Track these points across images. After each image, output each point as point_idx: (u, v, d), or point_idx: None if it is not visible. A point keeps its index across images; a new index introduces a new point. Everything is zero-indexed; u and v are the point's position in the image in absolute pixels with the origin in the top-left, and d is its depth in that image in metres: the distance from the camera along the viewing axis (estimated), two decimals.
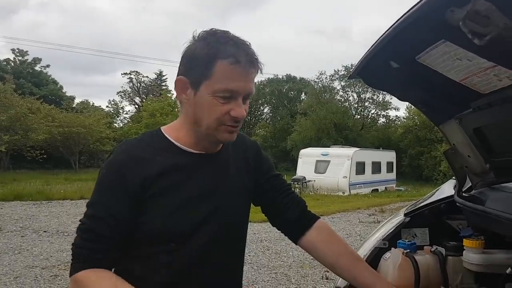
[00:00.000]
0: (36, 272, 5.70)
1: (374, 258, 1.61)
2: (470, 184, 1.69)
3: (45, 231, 8.51)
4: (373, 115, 40.25)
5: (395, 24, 1.11)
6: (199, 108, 1.16)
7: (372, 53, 1.29)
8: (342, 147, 23.54)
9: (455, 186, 1.71)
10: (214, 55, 1.11)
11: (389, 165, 23.68)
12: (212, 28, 1.17)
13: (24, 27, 68.74)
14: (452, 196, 1.67)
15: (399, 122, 39.15)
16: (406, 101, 1.58)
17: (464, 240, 1.47)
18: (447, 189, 1.82)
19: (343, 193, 18.71)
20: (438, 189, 1.97)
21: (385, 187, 22.46)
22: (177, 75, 1.19)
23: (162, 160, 1.18)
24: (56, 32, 75.15)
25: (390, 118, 40.15)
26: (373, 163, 21.83)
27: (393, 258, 1.49)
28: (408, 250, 1.48)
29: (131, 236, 1.15)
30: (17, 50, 39.62)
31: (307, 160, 20.48)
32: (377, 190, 21.46)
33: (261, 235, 8.49)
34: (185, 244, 1.17)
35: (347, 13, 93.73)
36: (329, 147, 23.75)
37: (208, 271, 1.21)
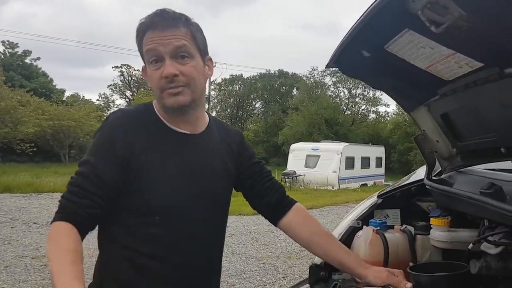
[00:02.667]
0: (26, 262, 5.74)
1: (349, 237, 1.71)
2: (440, 168, 1.79)
3: (35, 223, 8.53)
4: (363, 111, 40.62)
5: (364, 14, 1.19)
6: (150, 84, 1.26)
7: (346, 42, 1.37)
8: (332, 142, 23.71)
9: (425, 171, 1.80)
10: (139, 31, 1.23)
11: (378, 160, 23.91)
12: None
13: (14, 19, 67.83)
14: (422, 179, 1.77)
15: (389, 118, 39.53)
16: (378, 89, 1.67)
17: (431, 219, 1.57)
18: (421, 173, 1.92)
19: (333, 187, 18.87)
20: (413, 173, 2.07)
21: (374, 182, 22.65)
22: None
23: (150, 133, 1.25)
24: (46, 24, 74.34)
25: (380, 114, 40.57)
26: (362, 158, 22.02)
27: (364, 235, 1.59)
28: (379, 228, 1.58)
29: (118, 202, 1.21)
30: (7, 42, 39.16)
31: (298, 155, 20.59)
32: (366, 184, 21.65)
33: (250, 227, 8.60)
34: (170, 218, 1.24)
35: (336, 8, 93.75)
36: (319, 142, 23.91)
37: (192, 246, 1.28)
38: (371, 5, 1.14)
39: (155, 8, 1.24)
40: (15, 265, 5.60)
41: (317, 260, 1.69)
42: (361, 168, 21.73)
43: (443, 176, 1.74)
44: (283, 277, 5.44)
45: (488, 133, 1.36)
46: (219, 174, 1.37)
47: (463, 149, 1.58)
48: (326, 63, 1.60)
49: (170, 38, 1.19)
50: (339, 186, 19.28)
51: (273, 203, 1.48)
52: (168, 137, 1.28)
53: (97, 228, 1.27)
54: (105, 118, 1.33)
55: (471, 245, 1.40)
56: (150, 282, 1.24)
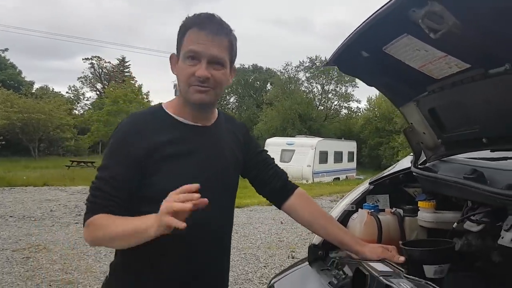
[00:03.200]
0: (7, 254, 5.71)
1: (344, 219, 1.88)
2: (425, 158, 1.99)
3: (11, 216, 8.40)
4: (336, 106, 41.25)
5: (367, 20, 1.36)
6: (178, 76, 1.38)
7: (347, 44, 1.54)
8: (306, 137, 24.05)
9: (411, 160, 2.00)
10: (185, 26, 1.35)
11: (350, 154, 24.46)
12: None
13: None
14: (409, 168, 1.97)
15: (360, 114, 40.33)
16: (372, 85, 1.84)
17: (419, 202, 1.76)
18: (405, 163, 2.12)
19: (307, 181, 19.21)
20: (397, 164, 2.26)
21: (346, 176, 23.21)
22: None
23: (164, 131, 1.37)
24: (13, 15, 71.75)
25: (352, 110, 41.32)
26: (336, 153, 22.49)
27: (360, 217, 1.77)
28: (373, 210, 1.77)
29: (135, 195, 1.33)
30: None
31: (273, 149, 20.71)
32: (338, 178, 22.16)
33: None
34: None
35: (307, 3, 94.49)
36: (294, 137, 24.22)
37: (206, 226, 1.41)
38: (376, 11, 1.31)
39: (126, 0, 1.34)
40: None
41: (315, 240, 1.86)
42: (334, 163, 22.21)
43: (427, 164, 1.94)
44: (264, 266, 5.61)
45: (471, 125, 1.56)
46: (229, 161, 1.50)
47: (448, 140, 1.77)
48: (326, 62, 1.76)
49: (213, 46, 1.32)
50: (313, 180, 19.65)
51: (277, 188, 1.63)
52: (181, 131, 1.40)
53: None
54: (118, 123, 1.45)
55: (455, 224, 1.60)
56: (170, 261, 1.37)
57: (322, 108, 40.23)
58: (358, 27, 1.44)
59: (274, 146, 21.02)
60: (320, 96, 40.20)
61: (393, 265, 1.46)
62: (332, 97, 40.39)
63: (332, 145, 22.88)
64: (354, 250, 1.60)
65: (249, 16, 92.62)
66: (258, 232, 7.78)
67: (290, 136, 25.23)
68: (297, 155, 20.06)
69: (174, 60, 1.41)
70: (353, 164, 24.94)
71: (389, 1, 1.25)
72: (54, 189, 13.24)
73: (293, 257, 5.93)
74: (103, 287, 1.49)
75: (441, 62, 1.40)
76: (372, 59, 1.59)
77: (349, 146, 24.90)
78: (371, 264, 1.46)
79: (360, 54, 1.58)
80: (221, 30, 1.35)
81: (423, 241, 1.64)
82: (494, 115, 1.41)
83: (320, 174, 20.57)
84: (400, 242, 1.67)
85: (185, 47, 1.33)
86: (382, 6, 1.28)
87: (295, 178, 18.90)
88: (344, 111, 41.43)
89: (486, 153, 1.70)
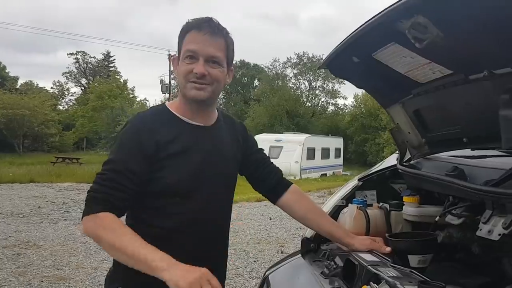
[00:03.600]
0: None
1: (335, 213, 2.00)
2: (410, 156, 2.11)
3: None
4: (323, 103, 41.47)
5: (359, 29, 1.47)
6: (178, 74, 1.47)
7: (339, 50, 1.65)
8: (294, 133, 24.22)
9: (397, 158, 2.12)
10: (184, 29, 1.46)
11: (337, 151, 24.73)
12: None
13: None
14: (395, 165, 2.09)
15: (347, 110, 40.63)
16: (362, 88, 1.96)
17: (404, 197, 1.88)
18: (392, 160, 2.24)
19: (295, 177, 19.35)
20: (384, 161, 2.38)
21: (333, 172, 23.47)
22: None
23: (170, 129, 1.46)
24: None
25: (339, 106, 41.59)
26: (323, 149, 22.72)
27: (349, 211, 1.88)
28: (361, 205, 1.88)
29: (144, 189, 1.41)
30: None
31: (261, 146, 20.28)
32: (325, 174, 22.41)
33: None
34: (189, 198, 1.46)
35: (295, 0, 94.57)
36: (281, 133, 24.35)
37: (208, 218, 1.51)
38: (366, 21, 1.42)
39: None
40: None
41: (308, 234, 1.97)
42: (321, 159, 22.44)
43: (412, 162, 2.06)
44: (254, 261, 5.73)
45: (453, 126, 1.69)
46: (228, 159, 1.61)
47: (431, 139, 1.90)
48: (319, 65, 1.87)
49: (210, 45, 1.42)
50: (300, 176, 19.84)
51: (273, 185, 1.75)
52: (185, 130, 1.49)
53: None
54: (125, 122, 1.53)
55: (438, 217, 1.72)
56: (173, 254, 1.46)
57: (309, 104, 40.41)
58: (350, 35, 1.55)
59: (262, 142, 20.73)
60: (307, 93, 40.38)
61: (380, 256, 1.57)
62: (319, 93, 40.63)
63: (320, 142, 23.10)
64: (344, 242, 1.71)
65: (236, 11, 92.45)
66: (248, 227, 7.90)
67: (278, 133, 25.35)
68: (285, 151, 20.19)
69: (175, 61, 1.51)
70: (340, 160, 25.23)
71: (379, 12, 1.36)
72: (41, 186, 13.18)
73: (282, 252, 6.06)
74: (107, 280, 1.57)
75: (426, 68, 1.51)
76: (362, 64, 1.70)
77: (336, 142, 25.16)
78: (360, 254, 1.57)
79: (351, 59, 1.69)
80: (218, 31, 1.44)
81: (408, 233, 1.76)
82: (474, 116, 1.54)
83: (308, 170, 20.76)
84: (387, 234, 1.79)
85: (184, 47, 1.44)
86: (373, 17, 1.38)
87: (283, 174, 19.00)
88: (331, 107, 41.74)
89: (467, 152, 1.82)
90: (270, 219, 8.79)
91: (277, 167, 1.81)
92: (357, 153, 33.89)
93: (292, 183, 1.80)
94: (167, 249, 1.44)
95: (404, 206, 1.88)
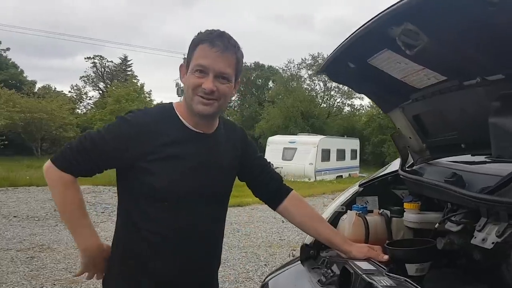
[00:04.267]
0: (12, 254, 5.81)
1: (334, 220, 1.98)
2: (412, 161, 2.08)
3: (15, 216, 8.51)
4: (338, 104, 41.19)
5: (352, 35, 1.46)
6: (186, 84, 1.47)
7: (335, 55, 1.65)
8: (308, 135, 24.10)
9: (399, 163, 2.10)
10: (197, 40, 1.45)
11: (353, 152, 24.53)
12: None
13: None
14: (397, 170, 2.06)
15: (363, 111, 40.26)
16: (361, 93, 1.95)
17: (404, 203, 1.86)
18: (395, 165, 2.21)
19: (309, 179, 19.29)
20: (388, 166, 2.36)
21: (349, 174, 23.27)
22: None
23: (170, 132, 1.46)
24: (15, 14, 71.97)
25: (355, 107, 41.22)
26: (338, 151, 22.56)
27: (348, 218, 1.87)
28: (361, 212, 1.86)
29: (136, 188, 1.45)
30: None
31: (275, 148, 20.88)
32: (341, 176, 22.23)
33: (231, 219, 8.81)
34: (176, 204, 1.46)
35: (309, 0, 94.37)
36: (296, 135, 24.30)
37: (194, 232, 1.51)
38: (358, 28, 1.41)
39: None
40: (1, 258, 5.67)
41: (307, 240, 1.96)
42: (337, 160, 22.28)
43: (414, 167, 2.04)
44: (265, 265, 5.70)
45: (451, 131, 1.66)
46: (224, 170, 1.59)
47: (431, 144, 1.87)
48: (317, 70, 1.87)
49: (220, 61, 1.41)
50: (315, 178, 19.72)
51: (273, 191, 1.74)
52: (184, 135, 1.49)
53: (114, 218, 1.54)
54: (127, 111, 1.54)
55: (437, 224, 1.69)
56: (161, 263, 1.48)
57: (324, 105, 40.22)
58: (344, 41, 1.54)
59: (276, 144, 21.11)
60: (322, 94, 40.19)
61: (377, 264, 1.55)
62: (335, 94, 40.37)
63: (335, 143, 22.94)
64: (342, 250, 1.70)
65: (250, 13, 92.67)
66: (259, 230, 7.88)
67: (292, 134, 25.30)
68: (299, 153, 20.11)
69: (183, 69, 1.51)
70: (356, 162, 25.01)
71: (370, 18, 1.35)
72: None
73: (293, 256, 6.00)
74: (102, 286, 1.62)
75: (420, 74, 1.50)
76: (358, 69, 1.69)
77: (352, 143, 24.97)
78: (357, 262, 1.56)
79: (347, 65, 1.68)
80: (229, 47, 1.44)
81: (406, 241, 1.74)
82: (470, 122, 1.52)
83: (323, 172, 20.65)
84: (386, 242, 1.77)
85: (195, 60, 1.43)
86: (365, 23, 1.37)
87: (297, 176, 18.99)
88: (347, 108, 41.39)
89: (468, 157, 1.79)
90: (283, 222, 8.75)
91: (277, 174, 1.81)
92: (374, 155, 33.53)
93: (292, 189, 1.79)
94: (156, 260, 1.47)
95: (404, 213, 1.85)
